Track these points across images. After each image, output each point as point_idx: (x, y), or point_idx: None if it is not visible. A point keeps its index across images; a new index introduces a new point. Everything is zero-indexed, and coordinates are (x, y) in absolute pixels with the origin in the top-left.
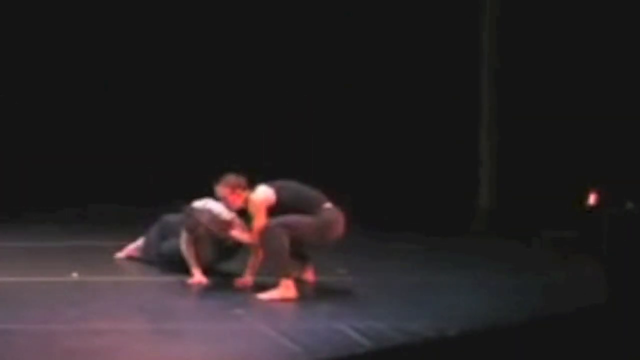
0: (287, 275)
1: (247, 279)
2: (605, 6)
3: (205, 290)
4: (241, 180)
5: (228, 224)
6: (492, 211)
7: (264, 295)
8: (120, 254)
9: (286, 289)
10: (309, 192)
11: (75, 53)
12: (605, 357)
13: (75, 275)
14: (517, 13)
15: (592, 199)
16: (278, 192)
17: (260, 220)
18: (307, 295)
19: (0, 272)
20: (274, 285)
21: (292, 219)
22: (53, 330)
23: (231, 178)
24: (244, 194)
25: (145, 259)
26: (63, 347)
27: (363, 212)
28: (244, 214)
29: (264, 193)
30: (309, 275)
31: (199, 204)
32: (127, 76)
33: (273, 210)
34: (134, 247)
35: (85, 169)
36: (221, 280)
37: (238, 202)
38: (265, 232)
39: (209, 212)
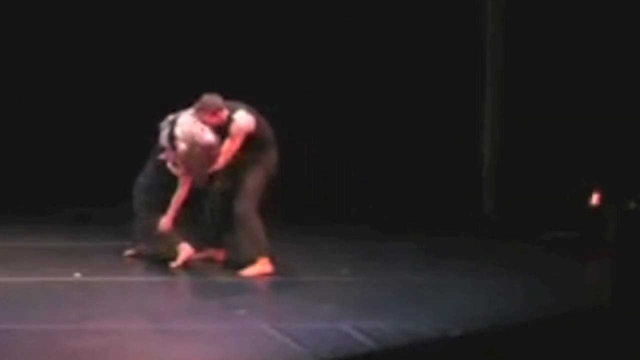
0: (265, 254)
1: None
2: (605, 6)
3: (207, 290)
4: (217, 100)
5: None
6: (493, 211)
7: (245, 272)
8: (130, 251)
9: (263, 265)
10: (267, 125)
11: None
12: (607, 357)
13: (77, 275)
14: (519, 13)
15: (594, 199)
16: (257, 122)
17: (235, 144)
18: (310, 295)
19: (3, 272)
20: (249, 263)
21: (255, 192)
22: (55, 330)
23: (209, 102)
24: (223, 113)
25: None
26: (65, 347)
27: (364, 213)
28: None
29: (249, 120)
30: (219, 255)
31: (177, 131)
32: (123, 78)
33: (247, 138)
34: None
35: (87, 170)
36: (222, 280)
37: (219, 122)
38: (243, 218)
39: (195, 137)
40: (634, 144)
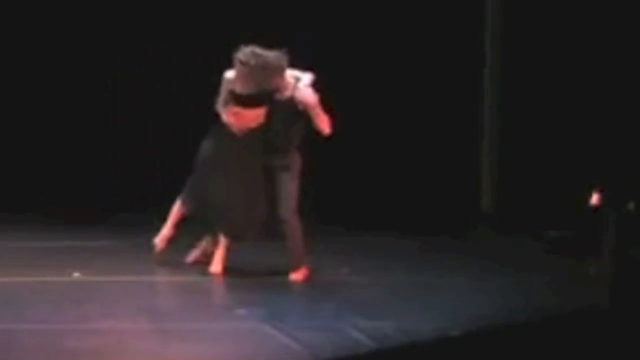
0: (304, 263)
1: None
2: (605, 6)
3: (206, 290)
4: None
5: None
6: (493, 211)
7: (295, 277)
8: (190, 258)
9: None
10: None
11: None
12: (606, 358)
13: (76, 275)
14: (518, 12)
15: (594, 198)
16: None
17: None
18: (310, 295)
19: (2, 272)
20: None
21: (295, 199)
22: (54, 330)
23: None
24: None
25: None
26: (64, 346)
27: (364, 213)
28: None
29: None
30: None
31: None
32: (129, 79)
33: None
34: (198, 251)
35: (88, 170)
36: (221, 280)
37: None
38: (289, 227)
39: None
40: (635, 144)
